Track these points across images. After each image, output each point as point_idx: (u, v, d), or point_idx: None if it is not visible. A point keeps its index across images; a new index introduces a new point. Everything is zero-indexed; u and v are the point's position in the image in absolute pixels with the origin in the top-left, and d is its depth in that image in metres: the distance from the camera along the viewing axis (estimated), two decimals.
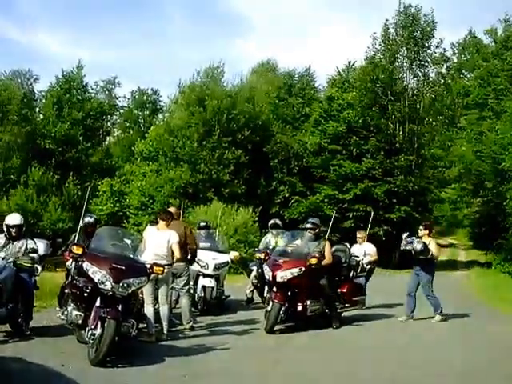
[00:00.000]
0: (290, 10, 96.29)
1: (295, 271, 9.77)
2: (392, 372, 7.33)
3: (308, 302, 9.87)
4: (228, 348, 8.42)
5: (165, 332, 8.87)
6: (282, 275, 9.72)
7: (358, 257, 11.38)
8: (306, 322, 10.14)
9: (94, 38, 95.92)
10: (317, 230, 10.61)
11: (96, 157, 41.31)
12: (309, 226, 10.63)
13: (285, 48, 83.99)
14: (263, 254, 10.71)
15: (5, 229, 8.67)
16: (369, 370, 7.47)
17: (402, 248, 11.36)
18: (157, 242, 8.97)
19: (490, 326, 10.85)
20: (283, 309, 9.61)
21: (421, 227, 11.57)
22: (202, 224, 12.95)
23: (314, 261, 9.83)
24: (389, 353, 8.55)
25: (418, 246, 10.94)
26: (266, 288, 12.54)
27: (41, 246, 9.01)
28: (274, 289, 9.85)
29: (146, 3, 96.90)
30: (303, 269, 9.79)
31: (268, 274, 9.98)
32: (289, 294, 9.76)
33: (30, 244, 8.67)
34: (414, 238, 11.30)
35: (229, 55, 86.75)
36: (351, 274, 11.05)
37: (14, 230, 8.59)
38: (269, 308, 9.75)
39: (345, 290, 10.65)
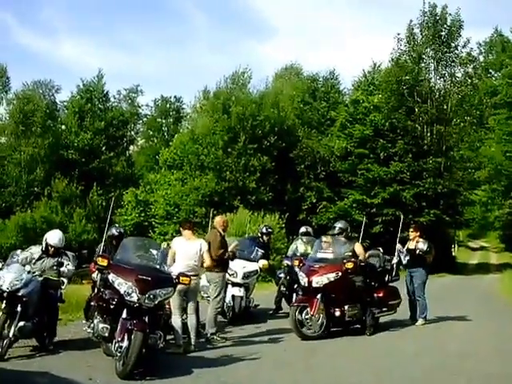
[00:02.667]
0: (312, 12, 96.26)
1: (331, 276, 9.70)
2: (423, 378, 7.18)
3: (346, 307, 9.79)
4: (257, 357, 8.28)
5: (193, 343, 8.72)
6: (318, 280, 9.67)
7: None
8: (344, 327, 10.06)
9: (114, 46, 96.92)
10: (344, 234, 10.57)
11: (119, 166, 41.38)
12: (336, 231, 10.69)
13: (308, 51, 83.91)
14: (297, 261, 10.57)
15: (43, 243, 8.67)
16: (401, 376, 7.32)
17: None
18: (188, 253, 8.85)
19: None
20: (322, 316, 9.57)
21: (411, 229, 11.73)
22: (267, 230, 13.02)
23: (350, 265, 9.75)
24: (420, 359, 8.35)
25: (424, 246, 11.16)
26: (295, 296, 12.38)
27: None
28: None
29: (167, 9, 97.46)
30: (339, 273, 9.73)
31: (303, 279, 9.85)
32: (318, 298, 9.61)
33: (65, 260, 8.62)
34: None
35: (251, 59, 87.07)
36: (386, 279, 10.97)
37: (51, 249, 8.60)
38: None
39: (381, 295, 10.56)
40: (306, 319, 9.60)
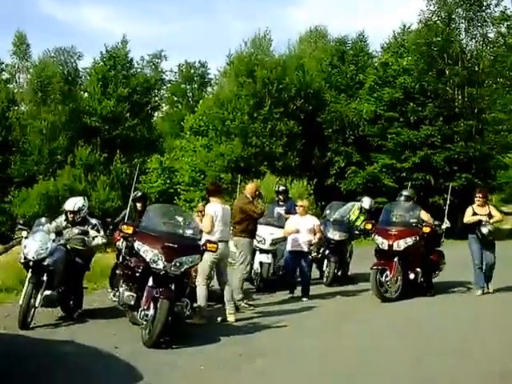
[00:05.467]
0: None
1: (410, 240, 10.14)
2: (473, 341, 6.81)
3: (418, 270, 10.23)
4: (285, 326, 8.21)
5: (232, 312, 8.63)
6: (399, 244, 10.09)
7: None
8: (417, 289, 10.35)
9: (138, 11, 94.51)
10: (411, 202, 11.12)
11: (143, 133, 40.66)
12: (402, 199, 11.25)
13: (336, 14, 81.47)
14: (370, 225, 10.77)
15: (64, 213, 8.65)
16: (440, 343, 7.09)
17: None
18: (224, 218, 8.71)
19: None
20: (400, 278, 10.00)
21: (479, 195, 10.80)
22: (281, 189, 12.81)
23: (427, 229, 10.25)
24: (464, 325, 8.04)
25: (485, 230, 10.46)
26: (326, 262, 12.18)
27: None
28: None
29: None
30: (417, 237, 10.18)
31: (383, 243, 10.21)
32: (396, 261, 9.96)
33: (94, 233, 8.54)
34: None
35: (280, 24, 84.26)
36: (436, 243, 11.25)
37: (70, 216, 8.54)
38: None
39: (435, 258, 10.96)
40: (386, 281, 9.96)
